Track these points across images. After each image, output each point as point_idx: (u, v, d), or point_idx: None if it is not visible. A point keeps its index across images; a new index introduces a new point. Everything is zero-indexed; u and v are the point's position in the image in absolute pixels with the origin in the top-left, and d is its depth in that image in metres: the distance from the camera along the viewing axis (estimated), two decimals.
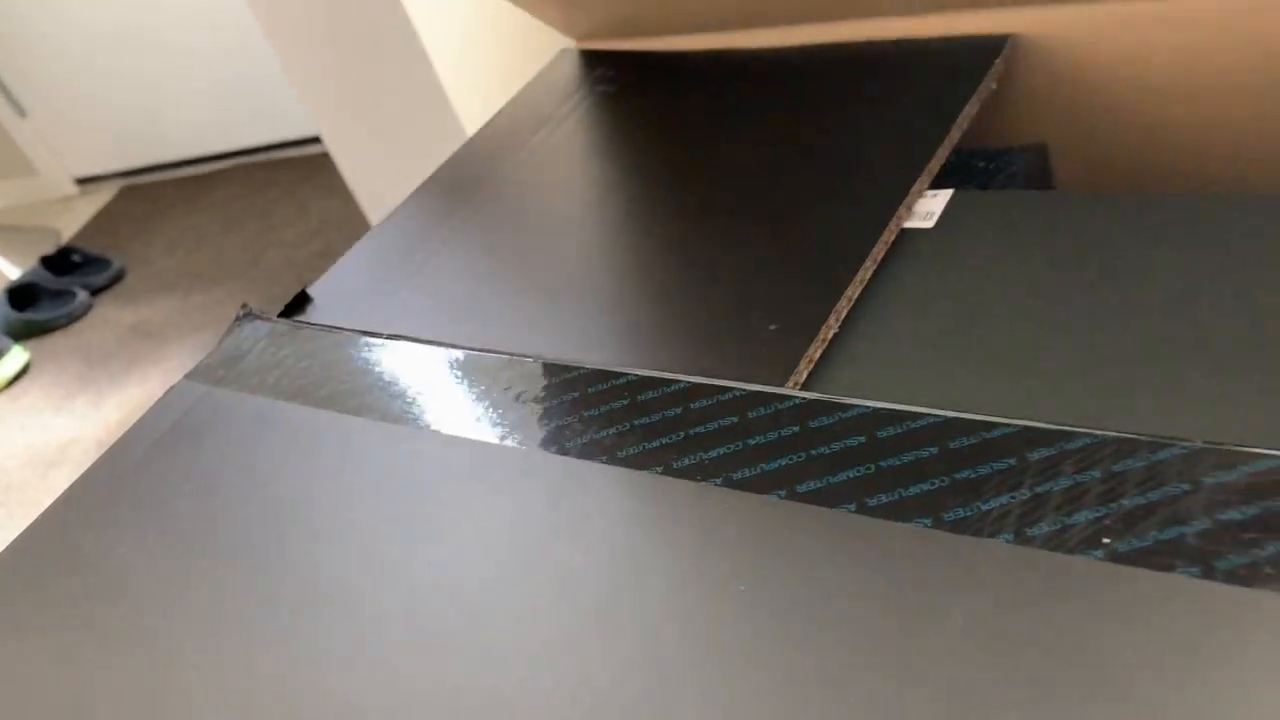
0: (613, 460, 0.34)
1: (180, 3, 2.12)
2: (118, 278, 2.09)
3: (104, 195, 2.50)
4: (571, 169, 0.55)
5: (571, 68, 0.65)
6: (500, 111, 0.63)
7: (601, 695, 0.28)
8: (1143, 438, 0.29)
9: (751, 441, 0.33)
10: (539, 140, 0.58)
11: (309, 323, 0.48)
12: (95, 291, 2.06)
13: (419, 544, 0.34)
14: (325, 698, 0.30)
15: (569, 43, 0.69)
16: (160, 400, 0.46)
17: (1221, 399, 0.32)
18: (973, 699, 0.25)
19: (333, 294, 0.52)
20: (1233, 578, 0.25)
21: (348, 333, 0.46)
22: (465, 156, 0.60)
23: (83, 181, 2.55)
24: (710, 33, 0.61)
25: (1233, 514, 0.26)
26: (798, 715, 0.25)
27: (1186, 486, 0.27)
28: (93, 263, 2.10)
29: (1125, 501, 0.27)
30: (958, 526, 0.29)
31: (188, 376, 0.47)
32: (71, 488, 0.42)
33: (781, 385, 0.36)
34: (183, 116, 2.32)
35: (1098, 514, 0.27)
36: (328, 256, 1.93)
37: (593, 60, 0.65)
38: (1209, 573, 0.25)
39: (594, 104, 0.61)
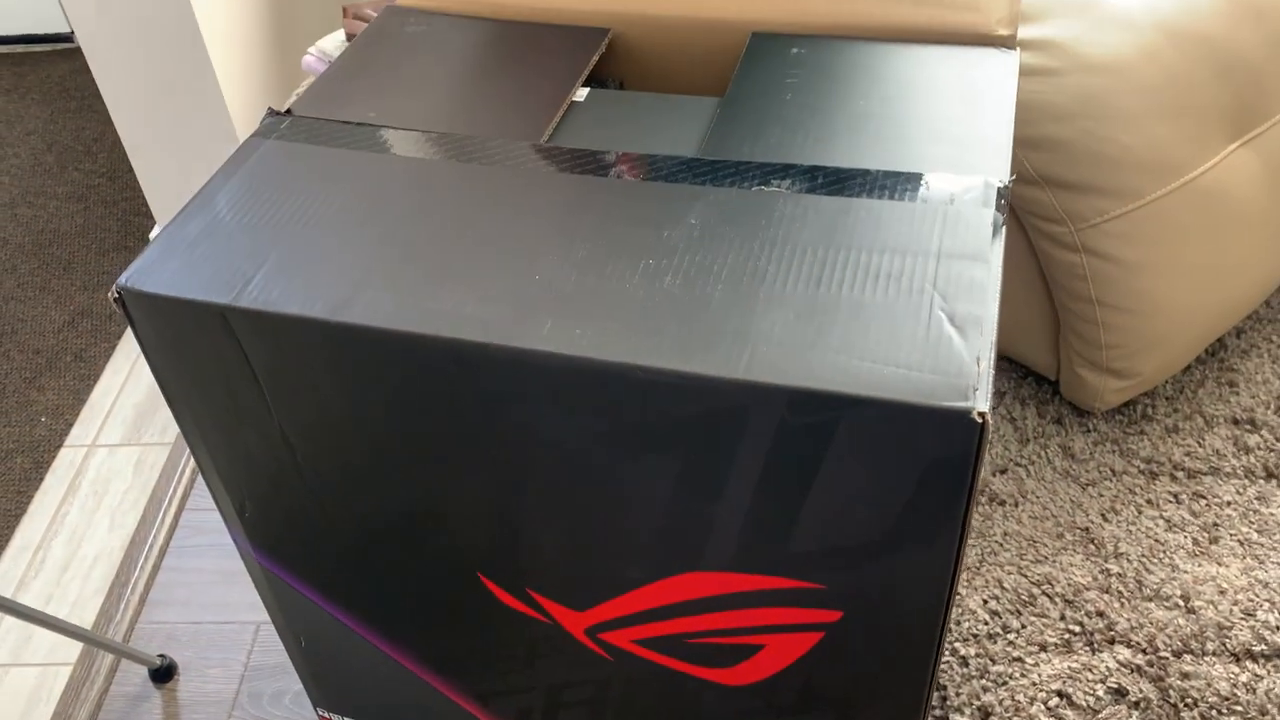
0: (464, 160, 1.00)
1: None
2: None
3: None
4: (418, 65, 1.18)
5: (394, 18, 1.27)
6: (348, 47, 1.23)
7: None
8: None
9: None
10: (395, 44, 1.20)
11: (318, 117, 1.07)
12: None
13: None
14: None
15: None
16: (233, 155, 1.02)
17: None
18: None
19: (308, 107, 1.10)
20: None
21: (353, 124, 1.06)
22: (330, 76, 1.19)
23: None
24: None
25: None
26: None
27: None
28: None
29: None
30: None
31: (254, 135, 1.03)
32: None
33: (539, 139, 1.04)
34: None
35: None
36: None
37: (407, 12, 1.27)
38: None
39: (413, 38, 1.23)
